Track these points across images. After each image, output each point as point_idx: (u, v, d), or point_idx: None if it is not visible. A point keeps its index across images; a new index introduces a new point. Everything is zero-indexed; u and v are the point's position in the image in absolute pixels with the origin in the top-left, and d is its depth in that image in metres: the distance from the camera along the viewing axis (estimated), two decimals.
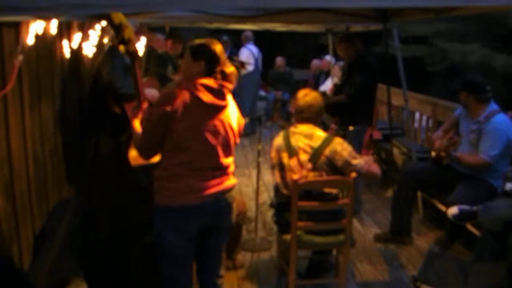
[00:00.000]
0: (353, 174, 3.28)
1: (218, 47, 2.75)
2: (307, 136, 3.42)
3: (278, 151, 3.50)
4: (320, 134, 3.44)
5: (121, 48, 2.97)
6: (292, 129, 3.52)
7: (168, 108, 2.61)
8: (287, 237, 3.42)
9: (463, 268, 3.14)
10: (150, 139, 2.71)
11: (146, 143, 2.74)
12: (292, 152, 3.41)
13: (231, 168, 2.86)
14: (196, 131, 2.66)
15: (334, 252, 3.79)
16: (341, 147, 3.37)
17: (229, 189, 2.82)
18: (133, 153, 3.00)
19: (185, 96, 2.64)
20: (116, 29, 2.96)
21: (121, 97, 3.60)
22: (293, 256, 3.40)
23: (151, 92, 4.15)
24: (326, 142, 3.38)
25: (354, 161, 3.35)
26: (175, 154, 2.67)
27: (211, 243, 2.91)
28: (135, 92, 3.03)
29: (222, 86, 2.70)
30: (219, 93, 2.70)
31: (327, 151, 3.35)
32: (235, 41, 9.89)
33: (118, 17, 2.93)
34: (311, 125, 3.48)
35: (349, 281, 3.87)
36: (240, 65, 7.09)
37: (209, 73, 2.70)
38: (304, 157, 3.38)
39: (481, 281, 3.02)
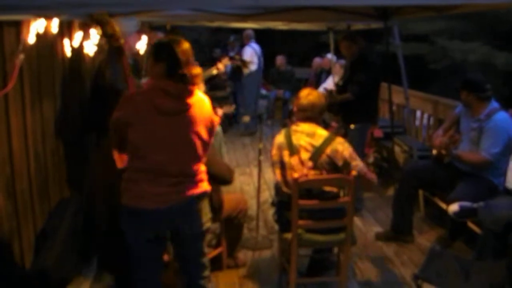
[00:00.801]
0: (354, 172, 3.28)
1: (182, 48, 2.65)
2: (309, 135, 3.42)
3: (279, 149, 3.50)
4: (321, 133, 3.44)
5: (105, 42, 2.98)
6: (293, 127, 3.52)
7: (122, 115, 2.59)
8: (288, 235, 3.42)
9: (464, 266, 3.14)
10: (113, 141, 2.75)
11: (113, 144, 2.81)
12: (294, 150, 3.41)
13: (200, 175, 2.74)
14: (152, 138, 2.58)
15: (336, 250, 3.79)
16: (342, 146, 3.38)
17: (194, 197, 2.71)
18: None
19: (141, 101, 2.58)
20: (98, 24, 2.97)
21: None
22: (294, 255, 3.40)
23: None
24: (327, 141, 3.38)
25: (354, 162, 3.37)
26: (133, 159, 2.66)
27: (184, 249, 2.88)
28: (123, 87, 3.04)
29: (182, 90, 2.59)
30: (178, 98, 2.58)
31: (328, 150, 3.36)
32: (237, 39, 9.90)
33: (100, 13, 2.93)
34: (313, 124, 3.48)
35: (350, 280, 3.87)
36: (243, 64, 7.09)
37: (170, 76, 2.58)
38: (305, 155, 3.38)
39: (482, 280, 3.02)
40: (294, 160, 3.40)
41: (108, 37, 2.98)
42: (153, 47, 2.73)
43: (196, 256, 2.88)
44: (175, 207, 2.65)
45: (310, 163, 3.35)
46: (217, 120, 2.82)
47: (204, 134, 2.69)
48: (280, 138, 3.55)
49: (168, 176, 2.61)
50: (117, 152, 2.90)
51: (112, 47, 3.02)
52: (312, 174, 3.35)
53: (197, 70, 2.70)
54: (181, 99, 2.59)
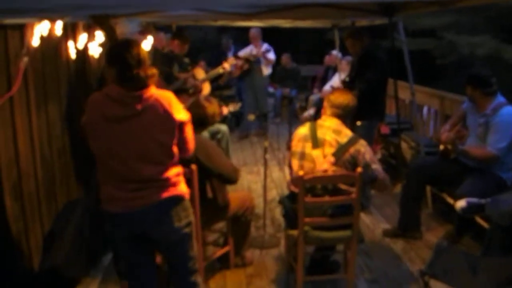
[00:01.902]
0: (359, 169, 3.28)
1: (134, 50, 2.52)
2: (335, 131, 3.44)
3: (302, 140, 3.50)
4: (347, 132, 3.48)
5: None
6: (319, 122, 3.54)
7: (82, 121, 2.59)
8: (294, 232, 3.42)
9: (471, 262, 3.12)
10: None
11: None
12: (318, 143, 3.43)
13: (170, 179, 2.63)
14: (106, 146, 2.54)
15: (342, 248, 3.78)
16: (364, 149, 3.42)
17: (162, 202, 2.61)
18: None
19: (92, 109, 2.56)
20: (98, 26, 2.99)
21: None
22: (300, 252, 3.39)
23: None
24: (352, 141, 3.41)
25: (374, 166, 3.41)
26: (98, 165, 2.63)
27: (164, 254, 2.89)
28: None
29: (130, 95, 2.48)
30: (125, 104, 2.49)
31: (352, 149, 3.38)
32: (242, 38, 9.85)
33: (99, 15, 2.95)
34: (340, 121, 3.50)
35: (358, 277, 3.86)
36: (245, 61, 7.09)
37: (121, 80, 2.49)
38: (329, 150, 3.40)
39: (490, 275, 3.00)
40: (316, 153, 3.41)
41: (107, 38, 2.99)
42: (107, 52, 2.69)
43: (179, 261, 2.83)
44: (141, 212, 2.59)
45: (332, 158, 3.36)
46: (182, 118, 2.62)
47: (163, 137, 2.57)
48: (303, 130, 3.55)
49: (128, 181, 2.56)
50: None
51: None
52: (333, 170, 3.36)
53: (152, 71, 2.56)
54: (129, 105, 2.49)
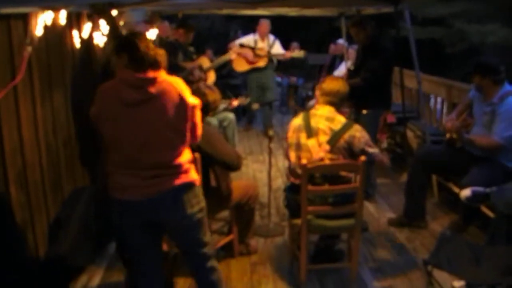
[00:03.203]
0: (363, 158, 3.28)
1: (141, 37, 2.60)
2: (328, 119, 3.45)
3: (296, 131, 3.52)
4: (340, 118, 3.48)
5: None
6: (312, 111, 3.56)
7: (94, 110, 2.60)
8: (298, 221, 3.43)
9: (475, 251, 3.10)
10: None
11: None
12: (312, 132, 3.44)
13: (182, 165, 2.65)
14: (122, 131, 2.55)
15: (346, 237, 3.79)
16: (359, 134, 3.43)
17: (175, 188, 2.63)
18: None
19: (107, 95, 2.57)
20: (98, 14, 2.99)
21: None
22: (304, 241, 3.40)
23: None
24: (346, 127, 3.42)
25: (370, 149, 3.43)
26: (109, 152, 2.64)
27: (178, 240, 2.90)
28: None
29: (144, 79, 2.51)
30: (140, 88, 2.51)
31: (346, 135, 3.39)
32: (249, 27, 9.80)
33: (100, 3, 2.95)
34: (333, 109, 3.51)
35: (362, 266, 3.87)
36: (251, 48, 7.04)
37: (133, 64, 2.52)
38: (323, 138, 3.41)
39: (494, 265, 2.98)
40: (311, 142, 3.42)
41: (109, 26, 3.00)
42: (115, 42, 2.72)
43: (194, 248, 2.84)
44: (155, 199, 2.59)
45: (327, 146, 3.37)
46: (194, 102, 2.64)
47: (177, 120, 2.59)
48: (297, 120, 3.57)
49: (144, 169, 2.57)
50: None
51: (115, 36, 3.03)
52: (329, 158, 3.37)
53: (160, 51, 2.60)
54: (143, 89, 2.51)
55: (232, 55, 6.76)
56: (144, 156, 2.55)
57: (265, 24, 7.77)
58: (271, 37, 7.88)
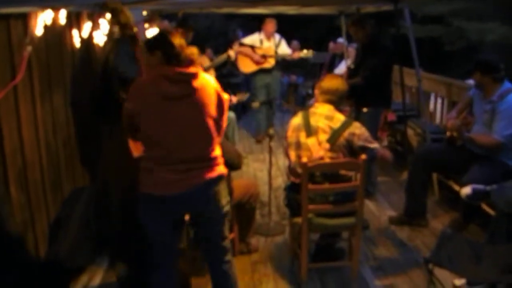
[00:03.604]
0: (364, 156, 3.28)
1: (174, 37, 2.67)
2: (327, 117, 3.45)
3: (296, 130, 3.52)
4: (340, 117, 3.48)
5: (119, 31, 2.99)
6: (312, 109, 3.56)
7: (132, 105, 2.64)
8: (298, 220, 3.43)
9: (475, 249, 3.10)
10: (127, 129, 2.81)
11: (128, 132, 2.87)
12: (311, 131, 3.44)
13: (216, 159, 2.76)
14: (163, 125, 2.61)
15: (346, 235, 3.79)
16: (359, 131, 3.43)
17: (211, 181, 2.73)
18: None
19: (147, 90, 2.62)
20: (112, 13, 2.99)
21: (127, 83, 3.61)
22: (304, 240, 3.40)
23: None
24: (345, 125, 3.42)
25: (371, 145, 3.43)
26: (147, 147, 2.70)
27: (203, 233, 2.94)
28: (135, 75, 3.06)
29: (185, 74, 2.61)
30: (182, 82, 2.61)
31: (346, 133, 3.39)
32: (249, 26, 9.80)
33: (113, 2, 2.95)
34: (332, 107, 3.51)
35: (363, 264, 3.87)
36: (250, 47, 7.02)
37: (170, 58, 2.61)
38: (323, 137, 3.40)
39: (494, 263, 2.98)
40: (311, 141, 3.42)
41: (121, 25, 3.00)
42: (146, 41, 2.76)
43: (216, 240, 2.92)
44: (192, 192, 2.67)
45: (327, 145, 3.37)
46: (227, 97, 2.79)
47: (215, 113, 2.72)
48: (297, 119, 3.57)
49: (184, 162, 2.65)
50: (132, 141, 2.96)
51: (126, 35, 3.03)
52: (329, 156, 3.36)
53: (191, 49, 2.67)
54: (185, 83, 2.61)
55: (230, 53, 6.71)
56: (184, 150, 2.64)
57: (271, 23, 7.46)
58: (277, 36, 7.60)
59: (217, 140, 2.77)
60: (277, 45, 7.53)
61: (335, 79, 3.61)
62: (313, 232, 3.58)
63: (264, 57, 7.36)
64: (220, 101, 2.75)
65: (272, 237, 4.38)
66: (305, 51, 7.16)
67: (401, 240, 4.29)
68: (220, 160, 2.81)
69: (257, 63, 7.40)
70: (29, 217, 3.31)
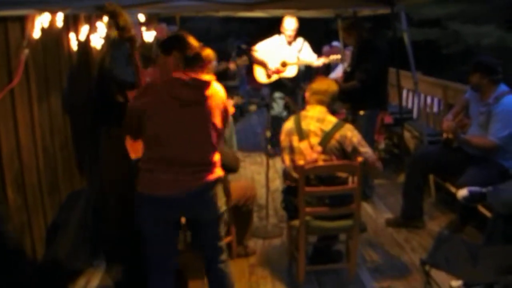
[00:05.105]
0: (360, 158, 3.28)
1: (186, 37, 2.72)
2: (318, 120, 3.45)
3: (288, 134, 3.53)
4: (331, 119, 3.48)
5: (117, 34, 3.00)
6: (303, 113, 3.56)
7: (140, 104, 2.65)
8: (296, 222, 3.43)
9: (472, 251, 3.11)
10: (127, 127, 2.80)
11: (125, 130, 2.87)
12: (303, 135, 3.44)
13: (214, 163, 2.80)
14: (172, 128, 2.65)
15: (344, 237, 3.79)
16: (351, 133, 3.41)
17: (209, 184, 2.76)
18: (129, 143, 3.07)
19: (158, 92, 2.64)
20: (110, 15, 3.00)
21: (123, 86, 3.62)
22: (302, 242, 3.41)
23: None
24: (337, 127, 3.42)
25: (362, 149, 3.40)
26: (150, 148, 2.72)
27: (200, 235, 2.96)
28: (135, 80, 3.07)
29: (200, 81, 2.65)
30: (197, 88, 2.66)
31: (337, 135, 3.38)
32: (248, 30, 9.81)
33: (112, 4, 2.96)
34: (323, 109, 3.51)
35: (360, 266, 3.87)
36: (249, 51, 6.98)
37: (187, 59, 2.65)
38: (314, 140, 3.40)
39: (491, 264, 2.99)
40: (303, 145, 3.42)
41: (120, 28, 3.00)
42: (162, 42, 2.81)
43: (213, 241, 2.94)
44: (192, 194, 2.70)
45: (319, 148, 3.37)
46: (232, 110, 2.89)
47: (219, 123, 2.77)
48: (289, 124, 3.57)
49: (187, 165, 2.68)
50: (131, 141, 2.97)
51: (124, 38, 3.04)
52: (322, 159, 3.37)
53: (207, 51, 2.75)
54: (200, 90, 2.66)
55: (231, 66, 6.58)
56: (189, 154, 2.67)
57: (292, 24, 6.29)
58: (299, 40, 6.47)
59: (218, 145, 2.83)
60: (299, 50, 6.46)
61: (325, 80, 3.66)
62: (311, 234, 3.58)
63: (284, 65, 6.36)
64: (225, 112, 2.82)
65: (270, 240, 4.38)
66: (332, 56, 6.12)
67: (398, 242, 4.30)
68: (219, 164, 2.85)
69: (276, 72, 6.44)
70: (26, 220, 3.30)
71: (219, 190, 2.84)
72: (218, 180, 2.82)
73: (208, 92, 2.70)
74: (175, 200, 2.70)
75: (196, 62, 2.67)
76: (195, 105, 2.67)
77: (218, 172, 2.83)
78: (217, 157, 2.82)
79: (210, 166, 2.77)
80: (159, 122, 2.65)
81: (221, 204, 2.86)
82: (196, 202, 2.74)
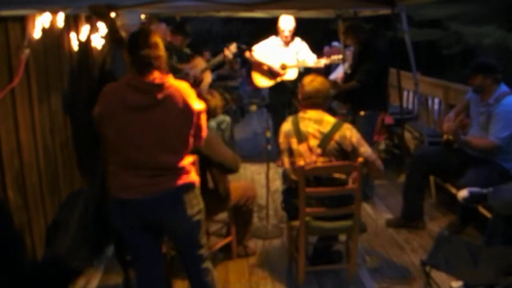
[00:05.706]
0: (360, 159, 3.28)
1: (146, 34, 2.60)
2: (316, 122, 3.42)
3: (287, 136, 3.50)
4: (329, 119, 3.45)
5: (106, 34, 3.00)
6: (301, 114, 3.53)
7: (95, 114, 2.60)
8: (296, 223, 3.43)
9: (472, 252, 3.11)
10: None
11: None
12: (302, 137, 3.41)
13: (183, 167, 2.65)
14: (124, 134, 2.56)
15: (344, 238, 3.79)
16: (350, 132, 3.39)
17: (177, 189, 2.63)
18: None
19: (112, 97, 2.58)
20: (97, 16, 3.00)
21: None
22: (302, 243, 3.40)
23: None
24: (335, 128, 3.39)
25: (362, 149, 3.38)
26: (110, 152, 2.66)
27: (176, 241, 2.90)
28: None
29: (152, 85, 2.52)
30: (148, 93, 2.52)
31: (336, 136, 3.36)
32: (248, 30, 9.81)
33: (99, 5, 2.96)
34: (319, 110, 3.48)
35: (360, 267, 3.87)
36: (249, 50, 6.95)
37: (133, 61, 2.56)
38: (313, 142, 3.38)
39: (491, 265, 2.99)
40: (302, 147, 3.40)
41: (108, 29, 3.00)
42: (128, 41, 2.70)
43: (190, 249, 2.83)
44: (156, 198, 2.60)
45: (318, 150, 3.36)
46: (199, 108, 2.65)
47: (181, 126, 2.61)
48: (287, 125, 3.54)
49: (144, 169, 2.58)
50: None
51: (113, 38, 3.04)
52: (321, 161, 3.36)
53: (160, 52, 2.59)
54: (151, 94, 2.52)
55: (226, 53, 6.38)
56: (146, 158, 2.57)
57: (291, 25, 6.02)
58: (297, 40, 6.18)
59: (185, 151, 2.67)
60: (297, 52, 6.13)
61: (314, 81, 3.51)
62: (311, 235, 3.58)
63: (284, 67, 6.05)
64: (188, 113, 2.60)
65: (270, 240, 4.37)
66: (333, 56, 5.78)
67: (398, 243, 4.29)
68: (189, 169, 2.70)
69: (275, 76, 6.14)
70: (26, 219, 3.31)
71: (192, 196, 2.70)
72: (188, 186, 2.68)
73: (164, 94, 2.54)
74: (141, 203, 2.61)
75: (140, 63, 2.54)
76: (148, 109, 2.53)
77: (189, 177, 2.69)
78: (186, 161, 2.68)
79: (176, 171, 2.63)
80: (113, 128, 2.56)
81: (194, 212, 2.71)
82: (163, 206, 2.63)
